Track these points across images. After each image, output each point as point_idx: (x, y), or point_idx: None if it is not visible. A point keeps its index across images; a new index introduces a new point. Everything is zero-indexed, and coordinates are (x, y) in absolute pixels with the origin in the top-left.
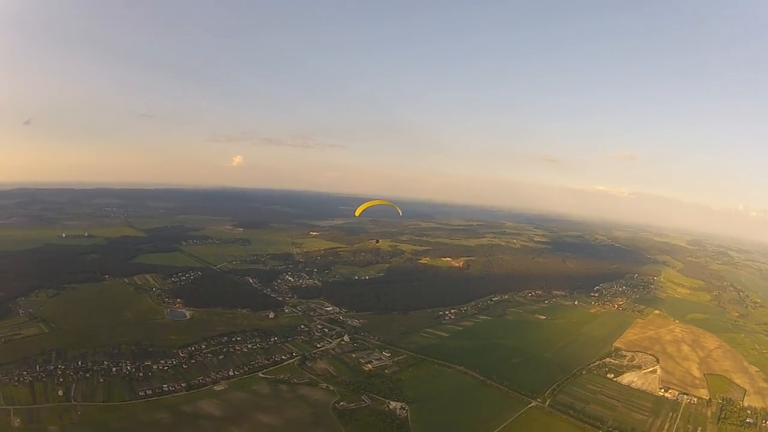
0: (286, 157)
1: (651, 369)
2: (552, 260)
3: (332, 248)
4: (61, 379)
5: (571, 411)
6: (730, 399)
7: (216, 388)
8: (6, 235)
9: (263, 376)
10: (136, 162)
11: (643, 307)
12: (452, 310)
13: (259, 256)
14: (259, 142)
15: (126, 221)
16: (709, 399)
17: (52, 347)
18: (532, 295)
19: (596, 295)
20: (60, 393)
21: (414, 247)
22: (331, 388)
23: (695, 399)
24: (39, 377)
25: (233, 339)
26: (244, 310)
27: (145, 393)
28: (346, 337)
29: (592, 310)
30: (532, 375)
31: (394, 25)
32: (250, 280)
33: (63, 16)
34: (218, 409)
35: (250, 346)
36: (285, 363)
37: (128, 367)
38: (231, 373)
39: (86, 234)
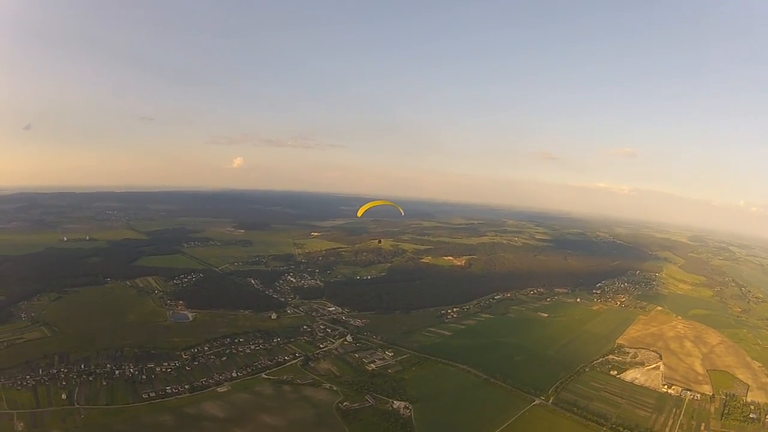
0: (286, 158)
1: (654, 365)
2: (554, 258)
3: (334, 248)
4: (64, 383)
5: (575, 408)
6: (733, 395)
7: (219, 389)
8: (7, 239)
9: (266, 377)
10: (137, 165)
11: (645, 303)
12: (454, 309)
13: (260, 257)
14: (260, 143)
15: (127, 224)
16: (713, 395)
17: (55, 351)
18: (534, 293)
19: (598, 292)
20: (63, 396)
21: (415, 246)
22: (335, 388)
23: (698, 395)
24: (42, 381)
25: (236, 340)
26: (246, 312)
27: (149, 395)
28: (348, 337)
29: (594, 308)
30: (535, 373)
31: (393, 24)
32: (252, 281)
33: (61, 19)
34: (222, 410)
35: (252, 347)
36: (288, 364)
37: (131, 370)
38: (234, 374)
39: (87, 237)
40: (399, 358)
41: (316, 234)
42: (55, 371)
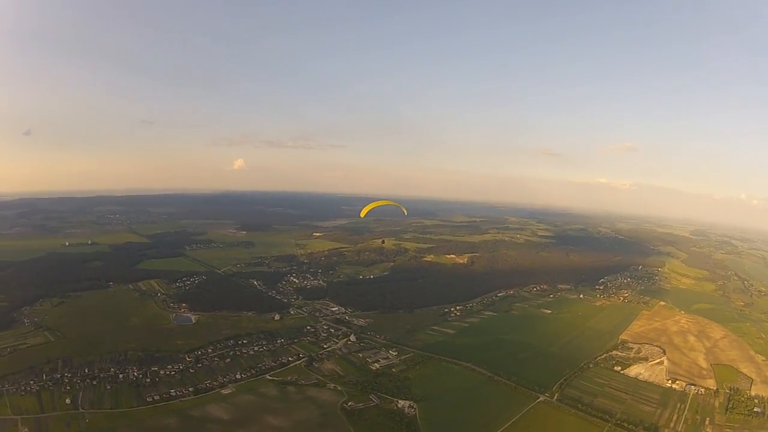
0: (287, 158)
1: (658, 360)
2: (556, 254)
3: (336, 248)
4: (68, 387)
5: (580, 405)
6: (738, 389)
7: (223, 391)
8: (9, 245)
9: (270, 378)
10: (138, 168)
11: (648, 298)
12: (458, 307)
13: (263, 258)
14: (260, 144)
15: (129, 228)
16: (717, 389)
17: (58, 356)
18: (537, 290)
19: (601, 287)
20: (67, 401)
21: (418, 245)
22: (339, 388)
23: (703, 389)
24: (46, 386)
25: (239, 342)
26: (249, 313)
27: (153, 399)
28: (352, 337)
29: (597, 303)
30: (540, 370)
31: (393, 22)
32: (255, 282)
33: (59, 23)
34: (226, 412)
35: (256, 348)
36: (292, 364)
37: (135, 373)
38: (238, 376)
39: (89, 242)
40: (403, 357)
41: (318, 234)
42: (58, 376)
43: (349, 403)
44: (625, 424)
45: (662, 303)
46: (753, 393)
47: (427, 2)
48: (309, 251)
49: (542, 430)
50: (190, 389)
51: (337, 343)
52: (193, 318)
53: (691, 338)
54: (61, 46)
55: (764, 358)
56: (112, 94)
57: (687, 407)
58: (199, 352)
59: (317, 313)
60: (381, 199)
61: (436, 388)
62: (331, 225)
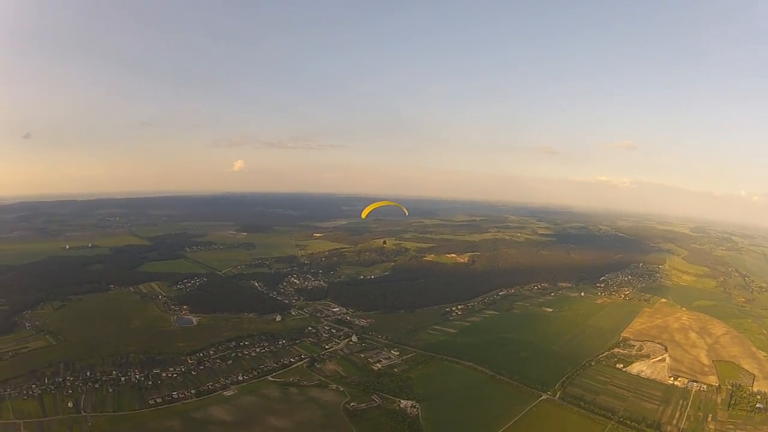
0: (287, 159)
1: (660, 358)
2: (557, 252)
3: (336, 249)
4: (70, 391)
5: (582, 403)
6: (740, 385)
7: (226, 393)
8: (9, 249)
9: (272, 379)
10: (138, 171)
11: (649, 295)
12: (459, 306)
13: (263, 259)
14: (260, 145)
15: (129, 230)
16: (719, 386)
17: (60, 359)
18: (539, 288)
19: (602, 285)
20: (70, 405)
21: (418, 245)
22: (341, 388)
23: (705, 386)
24: (48, 390)
25: (241, 344)
26: (250, 315)
27: (155, 401)
28: (354, 337)
29: (598, 301)
30: (542, 368)
31: (392, 20)
32: (256, 284)
33: (58, 24)
34: (229, 414)
35: (258, 350)
36: (294, 366)
37: (137, 376)
38: (240, 377)
39: (90, 245)
40: (405, 357)
41: (318, 235)
42: (60, 379)
43: (352, 404)
44: (628, 422)
45: (663, 300)
46: (755, 389)
47: None
48: (309, 252)
49: (545, 429)
50: (192, 391)
51: (338, 343)
52: (195, 320)
53: (693, 335)
54: (60, 46)
55: (766, 354)
56: (110, 95)
57: (689, 404)
58: (201, 354)
59: (318, 314)
60: (381, 200)
61: (439, 388)
62: (332, 225)
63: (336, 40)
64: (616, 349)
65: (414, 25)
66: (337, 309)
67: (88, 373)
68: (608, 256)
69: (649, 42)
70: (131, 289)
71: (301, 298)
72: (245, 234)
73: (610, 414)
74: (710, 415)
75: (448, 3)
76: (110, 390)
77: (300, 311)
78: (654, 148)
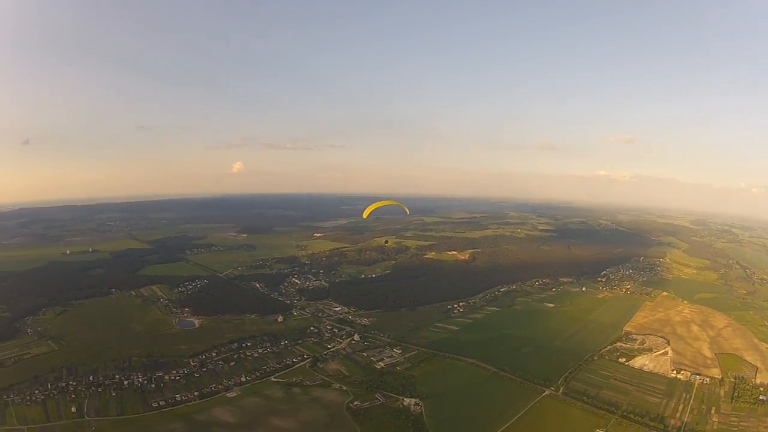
0: (286, 160)
1: (662, 351)
2: (557, 248)
3: (337, 248)
4: (74, 396)
5: (585, 398)
6: (743, 377)
7: (229, 395)
8: (10, 255)
9: (275, 380)
10: (137, 175)
11: (650, 289)
12: (461, 304)
13: (264, 260)
14: (259, 147)
15: (130, 234)
16: (722, 378)
17: (63, 364)
18: (540, 284)
19: (603, 280)
20: (73, 409)
21: (419, 243)
22: (344, 388)
23: (708, 379)
24: (51, 395)
25: (243, 345)
26: (252, 316)
27: (158, 404)
28: (356, 336)
29: (600, 296)
30: (544, 364)
31: (390, 13)
32: (257, 285)
33: (57, 25)
34: (232, 416)
35: (260, 351)
36: (296, 366)
37: (140, 380)
38: (243, 379)
39: (90, 249)
40: (407, 355)
41: (318, 235)
42: (63, 384)
43: (355, 403)
44: (632, 416)
45: (665, 293)
46: (758, 381)
47: None
48: (310, 252)
49: (549, 424)
50: (195, 393)
51: (341, 343)
52: (196, 322)
53: (695, 328)
54: (57, 49)
55: None
56: (108, 99)
57: (692, 397)
58: (204, 356)
59: (320, 314)
60: (381, 199)
61: (442, 385)
62: (332, 225)
63: (333, 35)
64: (618, 344)
65: (410, 19)
66: (339, 308)
67: (90, 378)
68: (609, 250)
69: (648, 34)
70: (132, 292)
71: (303, 298)
72: (245, 235)
73: (613, 408)
74: (713, 407)
75: None
76: (113, 394)
77: (302, 311)
78: (653, 142)
